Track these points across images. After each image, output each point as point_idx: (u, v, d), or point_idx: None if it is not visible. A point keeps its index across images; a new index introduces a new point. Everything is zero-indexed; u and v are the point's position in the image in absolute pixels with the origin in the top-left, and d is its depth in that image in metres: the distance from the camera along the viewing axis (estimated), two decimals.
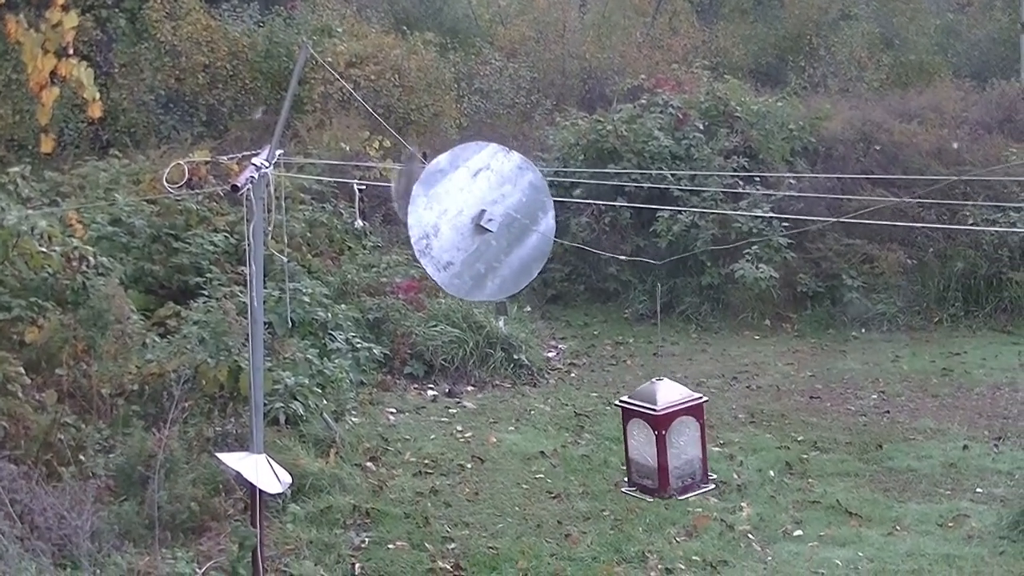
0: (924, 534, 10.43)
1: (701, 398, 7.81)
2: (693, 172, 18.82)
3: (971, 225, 17.83)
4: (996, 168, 17.56)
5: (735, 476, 11.75)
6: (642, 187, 18.68)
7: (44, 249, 11.08)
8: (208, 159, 11.92)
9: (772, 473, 11.96)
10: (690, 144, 19.27)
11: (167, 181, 8.82)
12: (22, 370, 10.12)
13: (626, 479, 8.05)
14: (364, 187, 9.14)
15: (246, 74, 21.92)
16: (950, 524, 10.65)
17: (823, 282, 18.41)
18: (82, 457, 9.85)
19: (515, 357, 15.15)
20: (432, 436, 12.80)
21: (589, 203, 18.04)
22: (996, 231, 17.43)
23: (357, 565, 9.64)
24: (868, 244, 18.54)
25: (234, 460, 7.69)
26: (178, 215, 14.84)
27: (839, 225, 17.50)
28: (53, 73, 7.48)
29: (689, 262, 17.86)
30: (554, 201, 7.74)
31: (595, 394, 14.63)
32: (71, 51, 7.53)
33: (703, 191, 18.69)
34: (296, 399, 11.63)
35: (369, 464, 11.70)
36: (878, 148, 19.64)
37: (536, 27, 27.56)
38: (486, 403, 14.12)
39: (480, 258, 7.37)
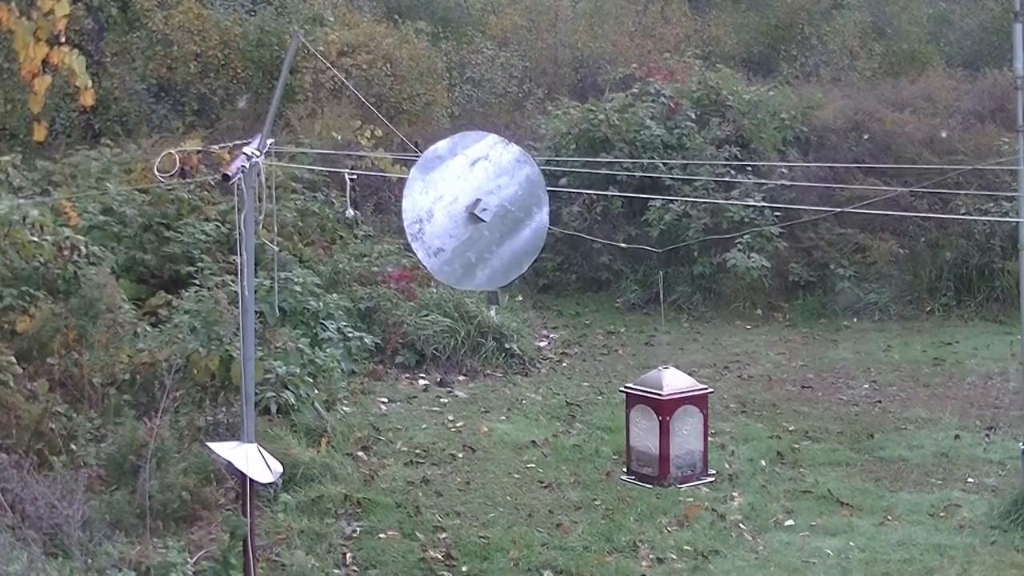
0: (915, 524, 10.43)
1: (706, 388, 7.83)
2: (685, 161, 18.84)
3: (963, 215, 17.84)
4: (998, 162, 17.51)
5: (726, 466, 11.74)
6: (634, 176, 18.69)
7: (35, 238, 11.05)
8: (199, 148, 11.92)
9: (763, 463, 11.96)
10: (682, 133, 19.28)
11: (158, 170, 8.79)
12: (13, 359, 10.09)
13: (624, 467, 8.07)
14: (355, 176, 9.14)
15: (237, 63, 21.92)
16: (941, 514, 10.66)
17: (815, 271, 18.44)
18: (73, 446, 9.83)
19: (507, 346, 15.15)
20: (423, 425, 12.80)
21: (581, 192, 18.04)
22: (988, 220, 17.44)
23: (348, 554, 9.63)
24: (860, 233, 18.57)
25: (225, 449, 7.68)
26: (169, 204, 14.84)
27: (831, 214, 17.51)
28: (45, 61, 7.45)
29: (681, 251, 17.87)
30: (546, 190, 7.74)
31: (587, 383, 14.63)
32: (63, 39, 7.50)
33: (695, 180, 18.71)
34: (287, 388, 11.62)
35: (360, 453, 11.70)
36: (867, 137, 19.65)
37: (528, 16, 27.53)
38: (478, 392, 14.12)
39: (472, 247, 7.36)
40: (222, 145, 9.66)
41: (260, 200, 7.54)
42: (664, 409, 7.56)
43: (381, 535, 10.00)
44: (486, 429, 12.76)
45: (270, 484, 9.19)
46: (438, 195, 7.32)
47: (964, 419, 13.39)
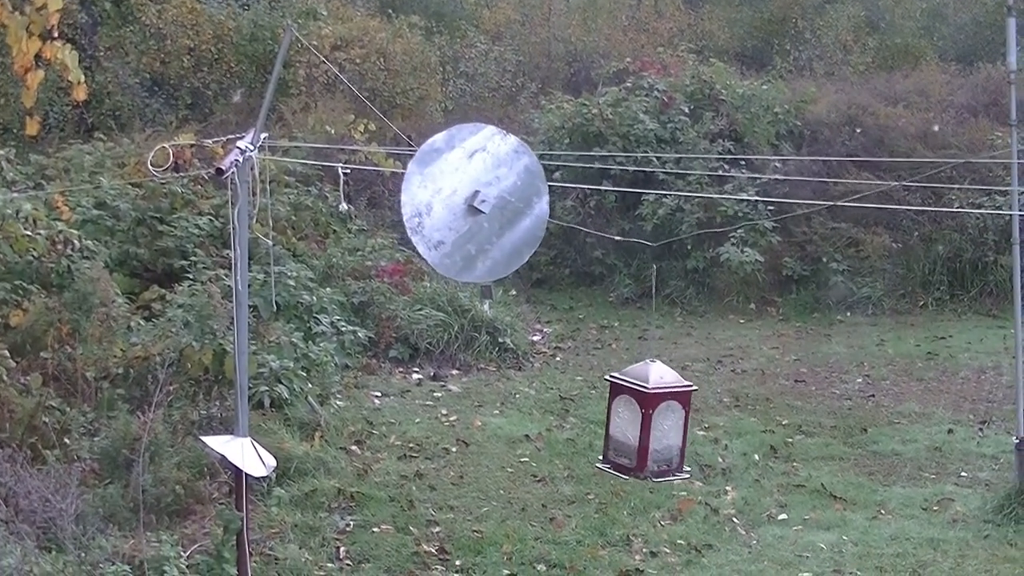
0: (908, 518, 10.46)
1: (690, 386, 7.84)
2: (678, 155, 18.84)
3: (957, 209, 17.86)
4: (991, 156, 17.53)
5: (720, 460, 11.76)
6: (627, 170, 18.70)
7: (29, 232, 11.06)
8: (193, 142, 11.91)
9: (757, 457, 11.98)
10: (675, 127, 19.29)
11: (152, 164, 8.77)
12: (7, 353, 10.10)
13: (601, 455, 8.08)
14: (349, 170, 9.13)
15: (231, 57, 21.88)
16: (935, 508, 10.68)
17: (808, 266, 18.46)
18: (67, 440, 9.83)
19: (500, 341, 15.15)
20: (417, 420, 12.79)
21: (574, 187, 18.05)
22: (981, 214, 17.46)
23: (342, 548, 9.62)
24: (853, 227, 18.59)
25: (219, 443, 7.67)
26: (163, 198, 14.83)
27: (824, 208, 17.53)
28: (38, 56, 7.44)
29: (674, 246, 17.87)
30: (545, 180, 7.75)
31: (580, 378, 14.63)
32: (56, 34, 7.48)
33: (688, 174, 18.71)
34: (281, 382, 11.63)
35: (354, 447, 11.69)
36: (860, 131, 19.66)
37: (521, 10, 27.50)
38: (471, 387, 14.12)
39: (471, 239, 7.36)
40: (215, 139, 9.67)
41: (254, 194, 7.53)
42: (648, 402, 7.55)
43: (374, 529, 10.00)
44: (479, 423, 12.76)
45: (263, 478, 9.19)
46: (437, 188, 7.32)
47: (957, 413, 13.41)
